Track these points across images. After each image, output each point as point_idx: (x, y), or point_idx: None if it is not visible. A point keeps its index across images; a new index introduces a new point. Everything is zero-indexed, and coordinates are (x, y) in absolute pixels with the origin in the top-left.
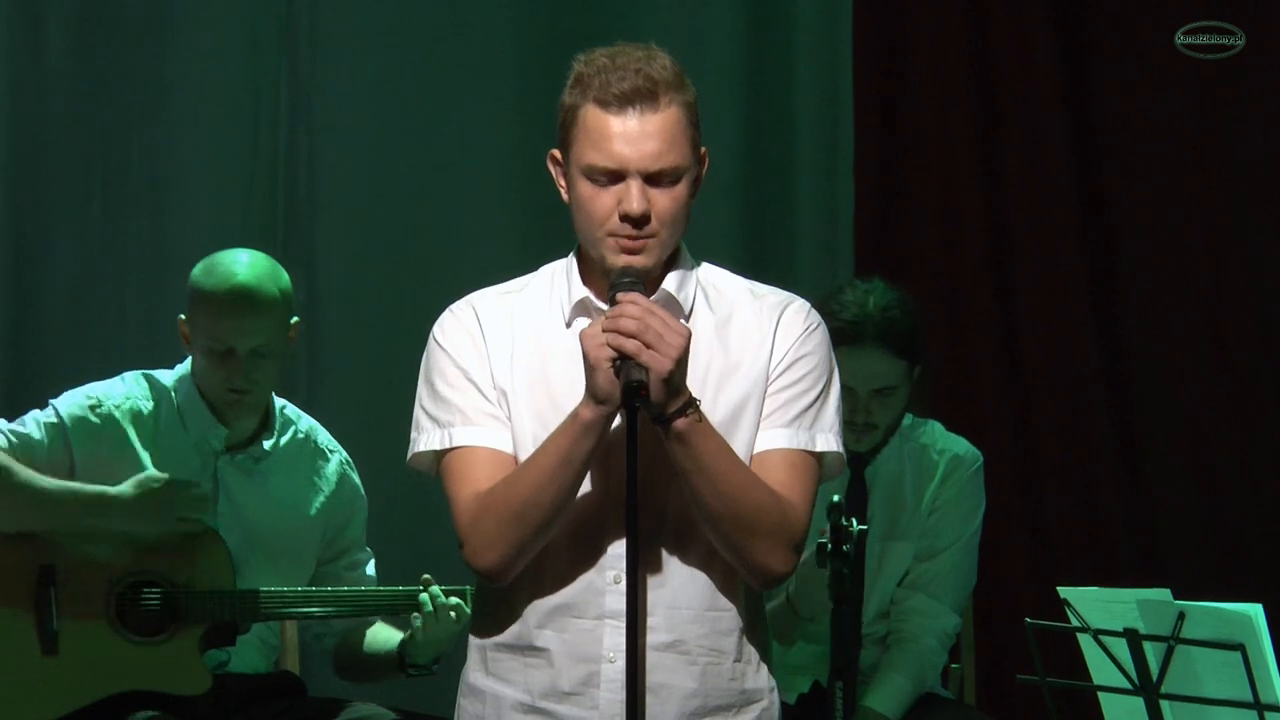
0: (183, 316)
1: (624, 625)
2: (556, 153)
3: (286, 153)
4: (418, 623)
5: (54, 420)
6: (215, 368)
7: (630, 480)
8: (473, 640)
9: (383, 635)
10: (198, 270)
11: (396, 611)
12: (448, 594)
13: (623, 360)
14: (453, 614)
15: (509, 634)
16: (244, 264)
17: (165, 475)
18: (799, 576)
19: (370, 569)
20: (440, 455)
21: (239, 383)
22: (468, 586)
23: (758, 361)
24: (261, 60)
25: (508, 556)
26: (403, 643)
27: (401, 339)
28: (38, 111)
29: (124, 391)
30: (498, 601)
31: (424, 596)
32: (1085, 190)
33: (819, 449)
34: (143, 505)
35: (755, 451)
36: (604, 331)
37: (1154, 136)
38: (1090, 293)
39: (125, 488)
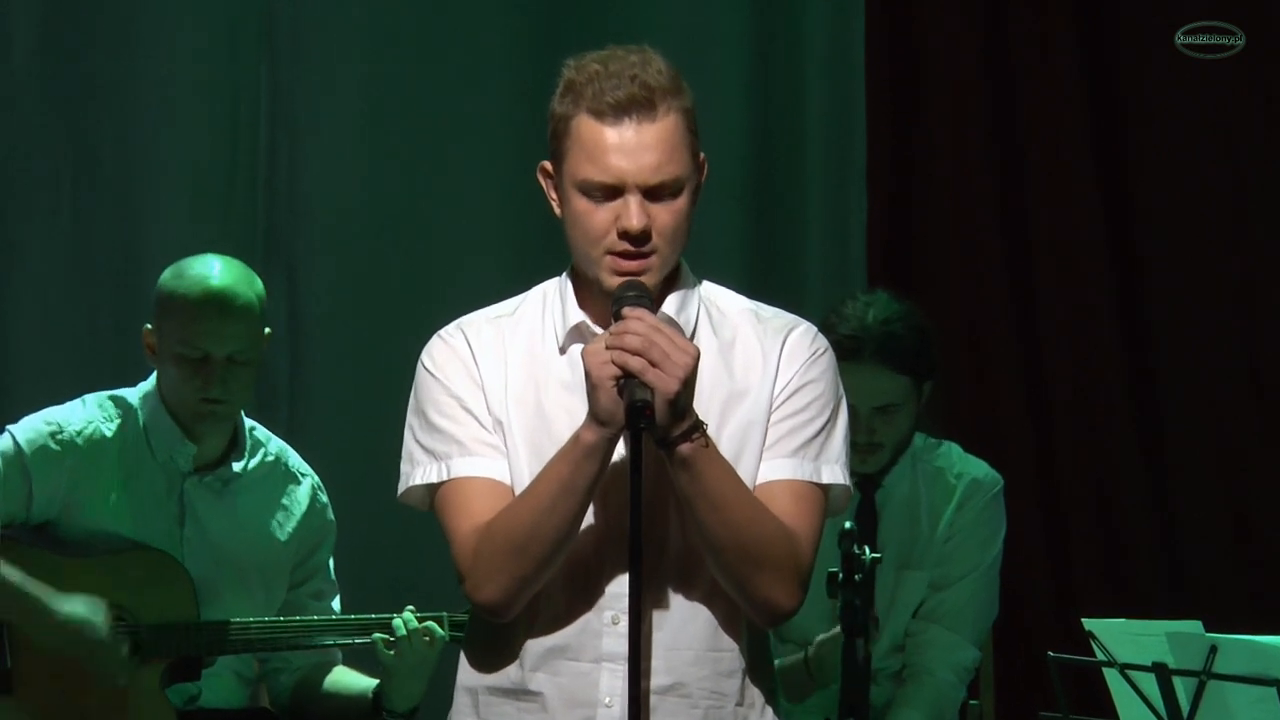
0: (149, 326)
1: (621, 669)
2: (547, 165)
3: (267, 159)
4: (389, 653)
5: (11, 450)
6: (188, 377)
7: (635, 508)
8: (461, 684)
9: (349, 678)
10: (166, 275)
11: (367, 639)
12: (421, 619)
13: (627, 379)
14: (426, 639)
15: (501, 677)
16: (217, 268)
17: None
18: (820, 649)
19: (335, 604)
20: (435, 489)
21: (214, 391)
22: (445, 613)
23: (762, 387)
24: (240, 62)
25: (510, 591)
26: (379, 685)
27: (387, 355)
28: (3, 114)
29: (85, 416)
30: (490, 641)
31: (397, 622)
32: (1110, 198)
33: (825, 481)
34: (75, 629)
35: (759, 482)
36: (608, 348)
37: (1182, 142)
38: (1116, 305)
39: (74, 607)
